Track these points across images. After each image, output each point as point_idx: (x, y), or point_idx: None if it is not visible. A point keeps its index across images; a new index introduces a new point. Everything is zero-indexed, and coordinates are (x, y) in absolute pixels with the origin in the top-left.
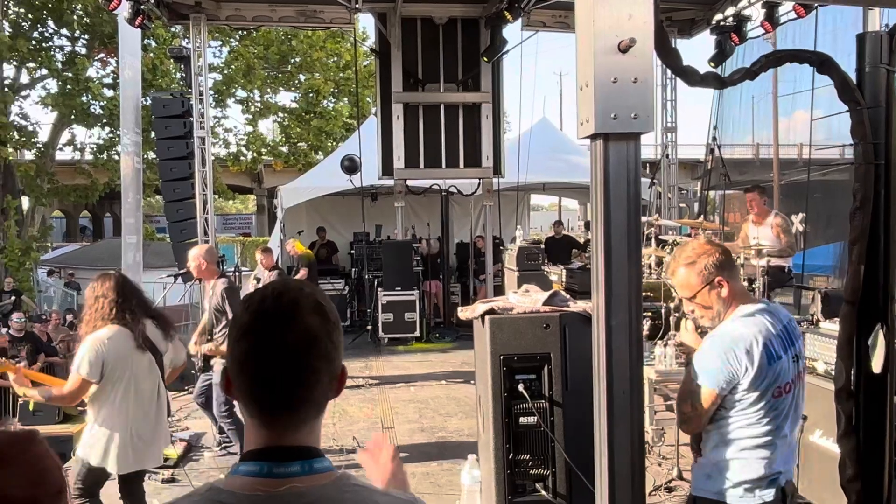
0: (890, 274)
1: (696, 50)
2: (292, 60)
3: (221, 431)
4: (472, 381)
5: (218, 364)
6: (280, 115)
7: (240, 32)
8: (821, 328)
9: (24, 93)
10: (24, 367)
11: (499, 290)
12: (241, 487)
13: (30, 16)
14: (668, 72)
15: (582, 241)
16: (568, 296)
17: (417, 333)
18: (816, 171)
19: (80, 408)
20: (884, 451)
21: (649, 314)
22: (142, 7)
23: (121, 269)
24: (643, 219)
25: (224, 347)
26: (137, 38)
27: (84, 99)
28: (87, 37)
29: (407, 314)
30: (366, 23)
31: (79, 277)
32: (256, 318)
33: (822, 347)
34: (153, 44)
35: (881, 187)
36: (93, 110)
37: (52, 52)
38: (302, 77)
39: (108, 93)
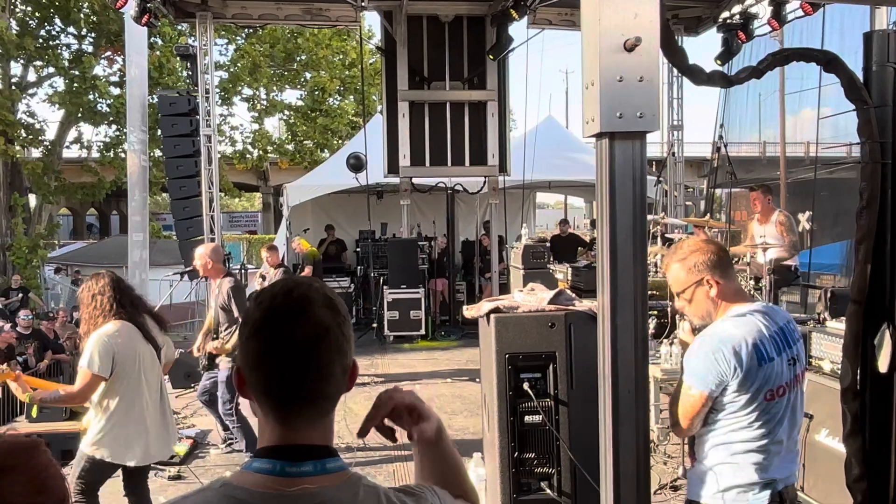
0: None
1: (703, 48)
2: (298, 58)
3: (226, 428)
4: (478, 380)
5: (223, 362)
6: (286, 112)
7: (246, 30)
8: (827, 327)
9: (31, 91)
10: (30, 370)
11: (504, 289)
12: (253, 484)
13: (37, 14)
14: (675, 70)
15: (588, 239)
16: (573, 294)
17: (423, 331)
18: (823, 169)
19: (86, 405)
20: (889, 451)
21: (655, 313)
22: (148, 5)
23: (127, 267)
24: (649, 217)
25: (229, 346)
26: (144, 36)
27: (91, 97)
28: (93, 35)
29: (412, 312)
30: (371, 21)
31: (85, 275)
32: (268, 315)
33: (828, 347)
34: (160, 42)
35: (888, 186)
36: (99, 108)
37: (59, 51)
38: (308, 75)
39: (115, 91)
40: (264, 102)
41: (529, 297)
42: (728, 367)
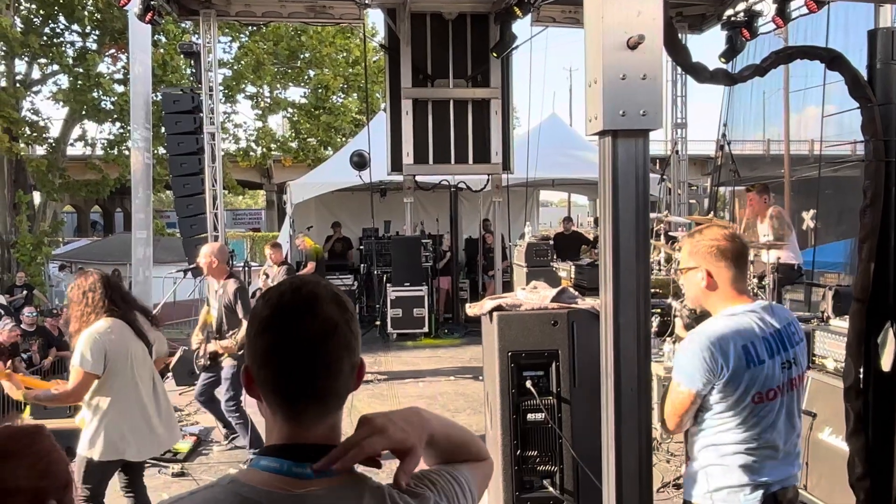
0: None
1: (707, 45)
2: (302, 56)
3: (226, 426)
4: (481, 378)
5: (227, 361)
6: (289, 110)
7: (249, 28)
8: (831, 325)
9: (35, 88)
10: (34, 367)
11: (507, 286)
12: (260, 483)
13: (41, 11)
14: (679, 68)
15: (591, 237)
16: (576, 293)
17: (426, 329)
18: (828, 167)
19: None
20: (892, 450)
21: (658, 311)
22: (152, 3)
23: (131, 264)
24: (653, 215)
25: (235, 345)
26: (148, 33)
27: (95, 94)
28: (97, 32)
29: (415, 310)
30: (375, 18)
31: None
32: (276, 312)
33: (831, 345)
34: (163, 39)
35: (892, 184)
36: (104, 106)
37: (64, 48)
38: (311, 73)
39: (119, 88)
40: (268, 100)
41: (532, 295)
42: (715, 365)
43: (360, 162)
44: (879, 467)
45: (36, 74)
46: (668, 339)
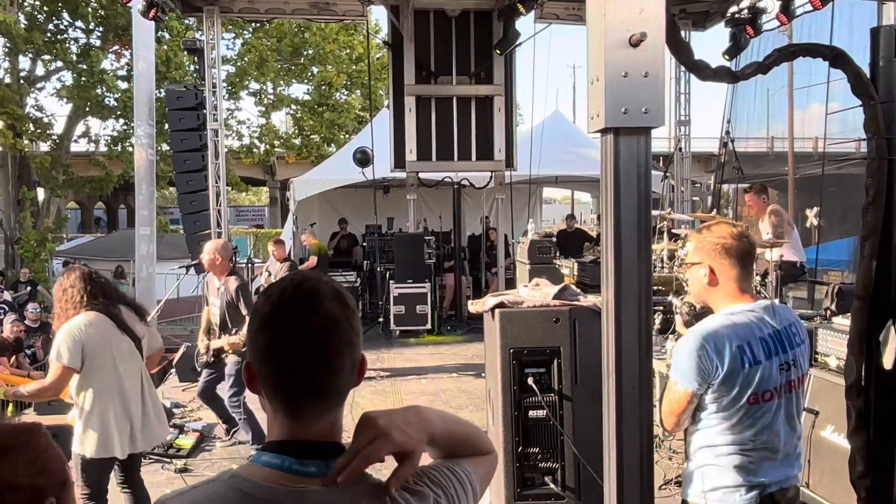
0: None
1: (711, 43)
2: (305, 53)
3: (227, 421)
4: (483, 375)
5: (230, 358)
6: (293, 107)
7: (253, 25)
8: (833, 323)
9: (39, 85)
10: (38, 363)
11: (510, 284)
12: (261, 478)
13: (45, 8)
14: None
15: (594, 234)
16: (578, 290)
17: (429, 326)
18: (831, 164)
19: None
20: (894, 448)
21: (660, 308)
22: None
23: (134, 260)
24: (655, 212)
25: (241, 340)
26: (151, 30)
27: (98, 91)
28: (101, 29)
29: (418, 307)
30: (378, 15)
31: (93, 268)
32: (278, 308)
33: (834, 343)
34: (167, 36)
35: (894, 182)
36: (107, 102)
37: (67, 45)
38: (315, 69)
39: (123, 85)
40: (271, 97)
41: (534, 292)
42: (710, 365)
43: (363, 159)
44: (881, 465)
45: (40, 71)
46: (669, 336)
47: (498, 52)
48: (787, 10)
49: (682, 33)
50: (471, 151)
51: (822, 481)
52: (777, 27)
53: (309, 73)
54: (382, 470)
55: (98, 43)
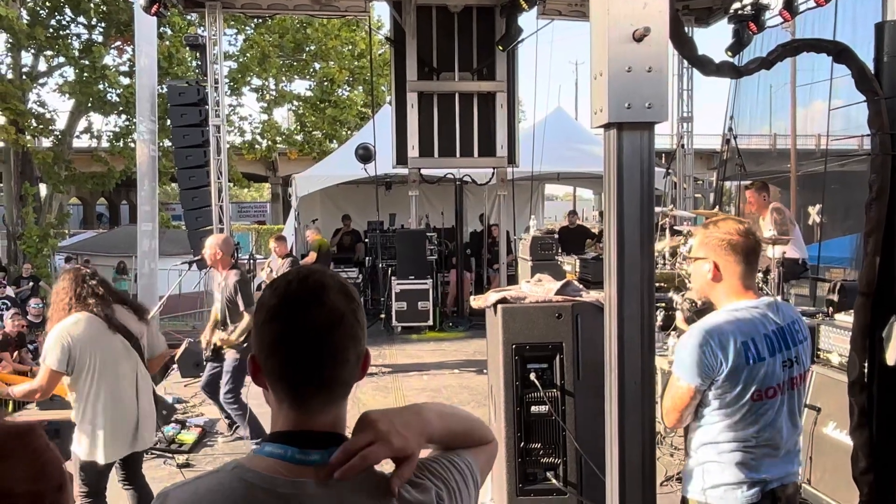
0: None
1: (714, 39)
2: (307, 49)
3: (229, 417)
4: (485, 371)
5: (229, 353)
6: (295, 103)
7: (255, 20)
8: (836, 320)
9: (41, 80)
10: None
11: (512, 280)
12: (265, 468)
13: (47, 4)
14: (685, 61)
15: (596, 230)
16: (580, 286)
17: (431, 322)
18: (834, 161)
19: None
20: None
21: (663, 305)
22: None
23: (136, 256)
24: (658, 209)
25: (234, 337)
26: (153, 26)
27: (101, 87)
28: (103, 25)
29: (420, 303)
30: (381, 11)
31: (95, 264)
32: (284, 301)
33: (836, 339)
34: (169, 32)
35: None
36: (109, 98)
37: (70, 40)
38: (317, 65)
39: (125, 81)
40: (273, 93)
41: (536, 288)
42: (714, 361)
43: (365, 155)
44: (883, 461)
45: (42, 66)
46: (672, 332)
47: (500, 48)
48: (790, 7)
49: (685, 29)
50: (473, 148)
51: (823, 478)
52: (780, 24)
53: (311, 69)
54: (384, 465)
55: (100, 39)
